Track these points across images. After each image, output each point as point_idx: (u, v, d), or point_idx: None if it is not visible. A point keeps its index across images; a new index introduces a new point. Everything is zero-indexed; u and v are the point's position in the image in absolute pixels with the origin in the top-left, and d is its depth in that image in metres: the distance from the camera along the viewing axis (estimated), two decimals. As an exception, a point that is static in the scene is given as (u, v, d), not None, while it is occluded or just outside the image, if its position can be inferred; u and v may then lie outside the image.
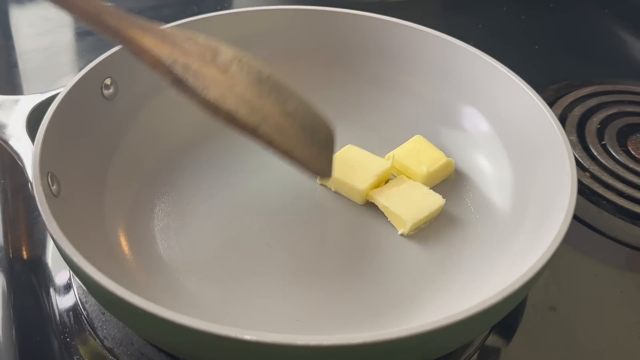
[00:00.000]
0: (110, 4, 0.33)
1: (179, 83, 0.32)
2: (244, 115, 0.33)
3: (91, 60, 0.43)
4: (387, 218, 0.43)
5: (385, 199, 0.43)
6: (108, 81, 0.44)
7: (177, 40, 0.34)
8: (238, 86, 0.33)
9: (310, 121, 0.36)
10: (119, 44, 0.34)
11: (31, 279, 0.41)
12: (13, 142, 0.39)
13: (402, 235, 0.42)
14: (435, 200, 0.43)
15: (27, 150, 0.38)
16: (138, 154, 0.45)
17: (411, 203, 0.42)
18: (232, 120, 0.33)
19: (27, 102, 0.42)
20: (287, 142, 0.34)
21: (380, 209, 0.43)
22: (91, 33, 0.66)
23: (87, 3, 0.33)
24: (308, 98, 0.37)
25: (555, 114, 0.46)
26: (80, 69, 0.42)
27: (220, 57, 0.34)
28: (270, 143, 0.34)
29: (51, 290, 0.40)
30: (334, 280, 0.39)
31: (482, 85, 0.46)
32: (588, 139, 0.53)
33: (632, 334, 0.39)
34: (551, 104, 0.56)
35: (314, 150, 0.36)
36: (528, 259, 0.32)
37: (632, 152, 0.52)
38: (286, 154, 0.34)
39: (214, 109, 0.32)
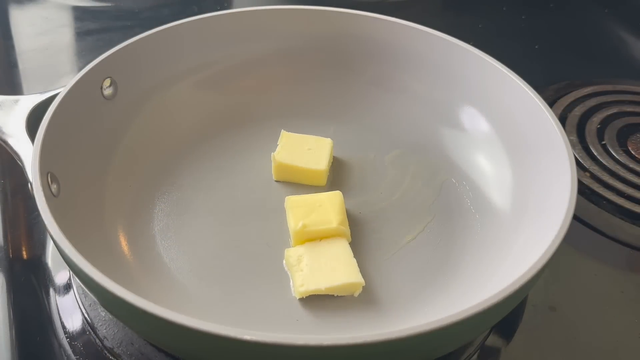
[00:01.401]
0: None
1: None
2: None
3: (91, 60, 0.43)
4: (386, 220, 0.43)
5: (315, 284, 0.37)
6: (108, 81, 0.44)
7: None
8: None
9: None
10: None
11: (31, 279, 0.41)
12: (13, 142, 0.39)
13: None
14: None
15: (26, 150, 0.38)
16: (138, 154, 0.45)
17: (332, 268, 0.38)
18: None
19: (26, 102, 0.42)
20: None
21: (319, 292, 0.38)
22: (91, 33, 0.66)
23: None
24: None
25: (555, 114, 0.46)
26: (80, 69, 0.42)
27: None
28: None
29: (51, 290, 0.40)
30: (334, 280, 0.39)
31: (482, 85, 0.46)
32: (588, 139, 0.53)
33: (632, 334, 0.39)
34: (551, 104, 0.56)
35: None
36: (528, 259, 0.32)
37: (632, 152, 0.52)
38: None
39: None
